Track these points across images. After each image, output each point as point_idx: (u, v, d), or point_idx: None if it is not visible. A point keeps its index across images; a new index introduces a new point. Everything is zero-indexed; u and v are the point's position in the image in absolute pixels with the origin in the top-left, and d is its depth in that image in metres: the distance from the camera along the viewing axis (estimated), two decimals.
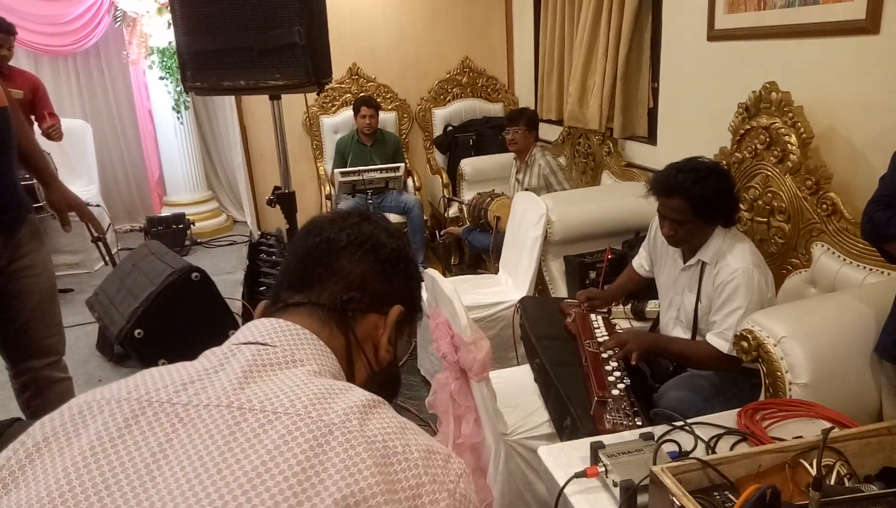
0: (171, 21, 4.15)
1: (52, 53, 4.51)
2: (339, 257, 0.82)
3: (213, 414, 0.59)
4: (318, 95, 4.85)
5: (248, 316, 3.34)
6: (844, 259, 2.07)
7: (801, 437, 1.22)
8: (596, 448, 1.31)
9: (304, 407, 0.60)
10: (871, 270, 1.98)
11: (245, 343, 0.71)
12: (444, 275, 2.43)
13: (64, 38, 4.33)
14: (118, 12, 4.32)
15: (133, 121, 4.92)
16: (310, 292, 0.80)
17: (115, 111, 4.95)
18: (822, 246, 2.15)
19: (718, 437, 1.39)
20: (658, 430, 1.43)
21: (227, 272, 3.94)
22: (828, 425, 1.25)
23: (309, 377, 0.66)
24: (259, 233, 4.96)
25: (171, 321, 2.69)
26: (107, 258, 2.85)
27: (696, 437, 1.38)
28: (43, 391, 1.91)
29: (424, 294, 2.48)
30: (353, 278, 0.81)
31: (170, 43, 4.27)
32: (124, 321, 2.66)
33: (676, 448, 1.34)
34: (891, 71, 2.05)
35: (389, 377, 0.86)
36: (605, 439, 1.37)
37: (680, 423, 1.43)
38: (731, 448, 1.35)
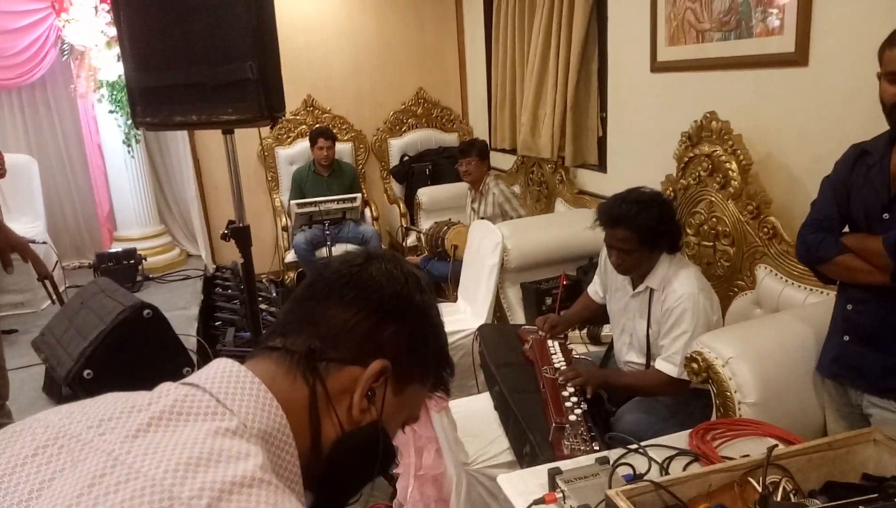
0: (120, 54, 4.13)
1: None
2: (325, 299, 0.75)
3: (94, 460, 0.57)
4: (271, 129, 4.85)
5: (203, 353, 3.27)
6: (786, 280, 2.15)
7: (748, 455, 1.26)
8: (553, 475, 1.33)
9: (163, 473, 0.55)
10: (811, 290, 2.06)
11: (187, 383, 0.68)
12: None
13: (8, 72, 4.22)
14: (65, 46, 4.24)
15: (81, 155, 4.81)
16: (287, 337, 0.74)
17: (62, 146, 4.83)
18: (766, 268, 2.24)
19: (671, 458, 1.42)
20: (613, 454, 1.45)
21: (181, 308, 3.85)
22: (774, 443, 1.29)
23: (210, 435, 0.60)
24: (214, 267, 4.88)
25: (123, 360, 2.61)
26: (54, 297, 2.76)
27: (650, 459, 1.41)
28: None
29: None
30: (335, 324, 0.74)
31: (119, 76, 4.21)
32: (73, 362, 2.56)
33: (631, 471, 1.36)
34: (820, 101, 2.17)
35: (364, 440, 0.74)
36: (563, 465, 1.38)
37: (634, 446, 1.46)
38: (684, 469, 1.38)
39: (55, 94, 4.69)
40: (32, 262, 2.02)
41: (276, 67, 1.94)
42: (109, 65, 4.16)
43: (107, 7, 4.00)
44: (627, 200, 2.00)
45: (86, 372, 2.55)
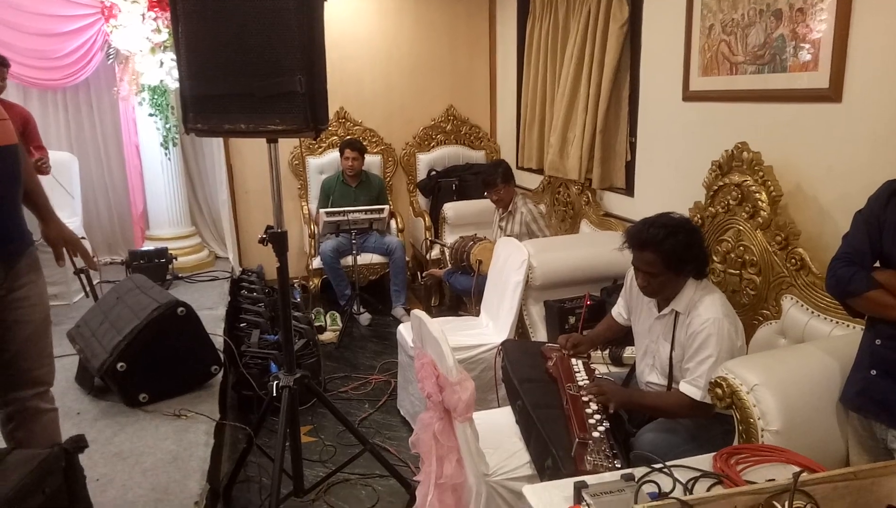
0: (163, 60, 4.25)
1: (42, 87, 4.54)
2: None
3: None
4: (314, 139, 4.96)
5: (229, 352, 3.34)
6: (813, 312, 2.17)
7: (773, 480, 1.29)
8: (580, 488, 1.36)
9: None
10: (837, 322, 2.08)
11: None
12: None
13: (55, 73, 4.37)
14: (111, 50, 4.39)
15: (119, 155, 4.95)
16: None
17: (101, 145, 4.98)
18: (792, 299, 2.26)
19: (695, 479, 1.45)
20: (638, 472, 1.48)
21: (208, 308, 3.93)
22: (797, 469, 1.31)
23: None
24: (240, 269, 4.98)
25: (155, 355, 2.70)
26: (88, 290, 2.85)
27: (675, 479, 1.44)
28: (28, 421, 1.90)
29: (410, 339, 2.51)
30: None
31: (161, 81, 4.35)
32: (107, 355, 2.65)
33: (656, 489, 1.39)
34: (853, 137, 2.19)
35: None
36: (588, 479, 1.42)
37: (659, 465, 1.49)
38: (708, 490, 1.41)
39: (98, 95, 4.84)
40: (83, 257, 2.10)
41: (322, 81, 2.02)
42: (152, 70, 4.30)
43: (153, 15, 4.14)
44: (656, 224, 2.05)
45: (119, 365, 2.64)
